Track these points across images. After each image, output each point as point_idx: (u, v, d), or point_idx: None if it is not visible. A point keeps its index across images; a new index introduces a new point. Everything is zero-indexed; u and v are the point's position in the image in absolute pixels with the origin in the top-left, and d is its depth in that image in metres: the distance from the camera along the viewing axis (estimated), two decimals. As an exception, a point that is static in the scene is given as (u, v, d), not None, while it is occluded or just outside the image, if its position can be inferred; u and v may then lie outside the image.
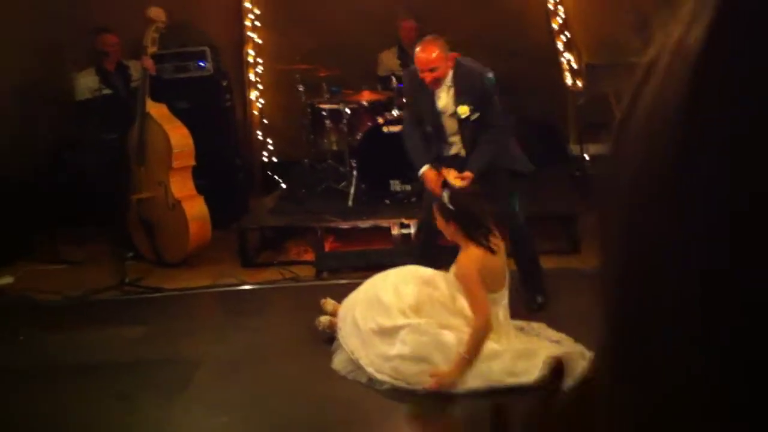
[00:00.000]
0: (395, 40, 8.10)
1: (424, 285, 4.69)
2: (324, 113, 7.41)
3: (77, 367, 4.91)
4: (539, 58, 7.98)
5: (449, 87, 5.23)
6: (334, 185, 7.40)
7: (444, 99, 5.27)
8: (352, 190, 7.03)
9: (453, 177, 4.90)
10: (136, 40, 6.89)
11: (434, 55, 5.09)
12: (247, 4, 8.43)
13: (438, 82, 5.16)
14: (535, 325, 4.94)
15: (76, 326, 5.61)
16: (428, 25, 8.12)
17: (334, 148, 7.51)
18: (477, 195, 4.75)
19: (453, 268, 4.67)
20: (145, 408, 4.38)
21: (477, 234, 4.53)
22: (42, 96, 7.56)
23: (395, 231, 6.74)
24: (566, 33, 8.24)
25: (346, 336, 4.71)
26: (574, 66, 8.23)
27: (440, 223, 4.65)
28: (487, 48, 7.52)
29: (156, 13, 6.58)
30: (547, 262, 6.33)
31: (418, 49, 5.13)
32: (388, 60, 8.03)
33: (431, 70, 5.09)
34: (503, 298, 4.71)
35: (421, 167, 5.20)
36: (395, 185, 6.99)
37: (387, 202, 7.00)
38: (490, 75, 5.32)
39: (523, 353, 4.49)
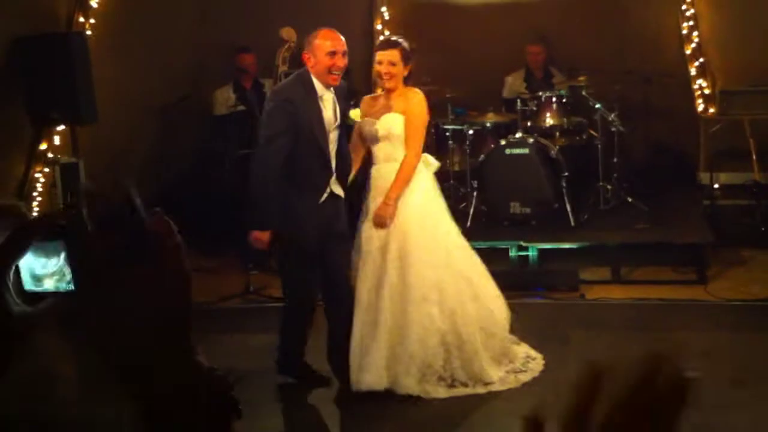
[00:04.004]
0: (523, 64, 8.10)
1: None
2: (447, 133, 7.47)
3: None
4: (671, 83, 7.79)
5: (331, 94, 4.53)
6: (454, 205, 7.44)
7: (327, 108, 4.50)
8: (471, 211, 7.06)
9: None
10: (272, 59, 7.14)
11: (343, 41, 4.47)
12: (378, 26, 8.62)
13: (339, 75, 4.46)
14: None
15: (202, 331, 5.83)
16: (558, 50, 8.11)
17: (456, 168, 7.56)
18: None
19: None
20: (264, 417, 4.51)
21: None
22: (187, 112, 7.94)
23: (513, 253, 6.73)
24: (700, 59, 8.02)
25: None
26: (707, 92, 7.99)
27: (399, 68, 4.65)
28: (618, 72, 7.43)
29: (288, 33, 6.81)
30: (672, 293, 6.18)
31: (322, 32, 4.46)
32: (515, 83, 8.04)
33: (344, 54, 4.45)
34: None
35: (268, 225, 4.42)
36: (515, 207, 6.97)
37: (506, 223, 6.98)
38: None
39: None
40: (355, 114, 4.55)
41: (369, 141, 4.79)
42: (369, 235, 4.71)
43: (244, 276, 6.59)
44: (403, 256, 4.63)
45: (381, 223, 4.63)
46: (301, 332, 4.70)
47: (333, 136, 4.50)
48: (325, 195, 4.51)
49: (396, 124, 4.68)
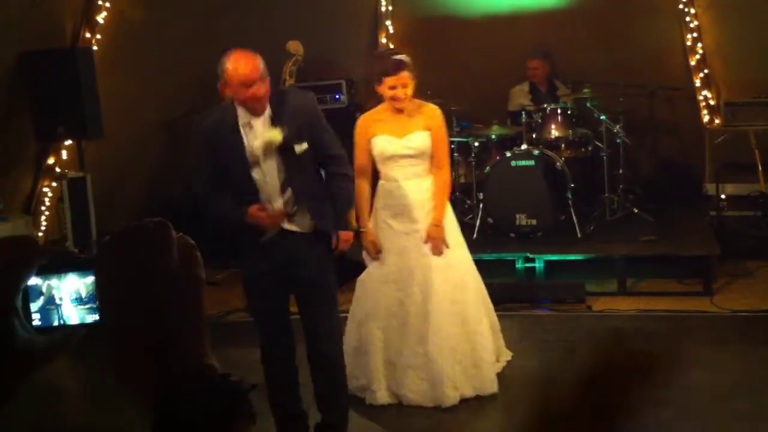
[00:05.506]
0: (527, 76, 8.11)
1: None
2: (453, 146, 7.47)
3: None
4: (676, 95, 7.80)
5: (266, 118, 3.87)
6: (461, 217, 7.43)
7: (260, 136, 3.84)
8: (477, 223, 7.06)
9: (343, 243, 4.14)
10: (277, 73, 7.18)
11: (257, 65, 3.79)
12: (383, 40, 8.65)
13: (260, 103, 3.81)
14: None
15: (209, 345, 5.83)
16: (562, 63, 8.12)
17: (462, 180, 7.57)
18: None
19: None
20: (269, 431, 4.49)
21: None
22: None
23: (519, 265, 6.73)
24: (705, 70, 8.02)
25: None
26: (712, 103, 7.99)
27: (410, 89, 4.56)
28: (622, 84, 7.45)
29: (295, 46, 6.84)
30: (678, 305, 6.17)
31: (232, 63, 3.78)
32: (519, 95, 8.05)
33: (263, 80, 3.79)
34: None
35: (241, 215, 3.85)
36: (521, 219, 6.97)
37: (512, 235, 6.98)
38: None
39: None
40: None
41: (385, 160, 4.69)
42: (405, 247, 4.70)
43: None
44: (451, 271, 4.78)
45: (439, 245, 4.67)
46: (278, 381, 4.16)
47: (273, 164, 3.86)
48: (269, 234, 3.93)
49: (425, 142, 4.65)
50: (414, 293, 4.67)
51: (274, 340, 4.09)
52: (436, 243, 4.67)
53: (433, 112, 4.73)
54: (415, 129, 4.64)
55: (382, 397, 4.73)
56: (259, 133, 3.84)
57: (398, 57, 4.61)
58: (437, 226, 4.68)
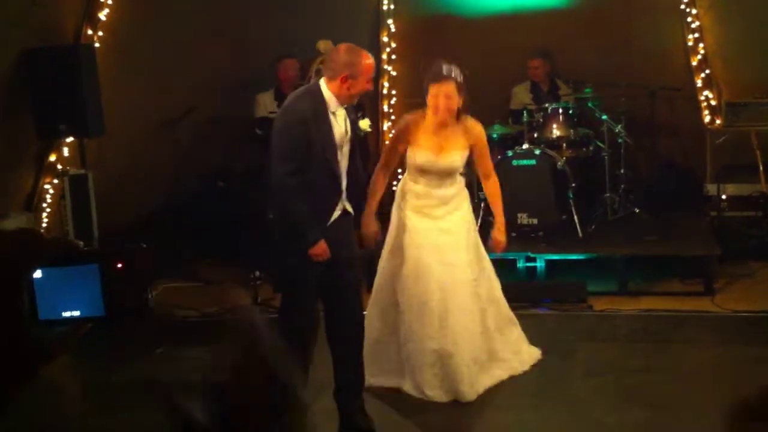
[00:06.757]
0: (528, 75, 8.11)
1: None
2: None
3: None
4: (677, 95, 7.79)
5: (341, 109, 4.23)
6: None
7: (340, 123, 4.20)
8: (479, 222, 7.05)
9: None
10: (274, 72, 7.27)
11: None
12: (385, 38, 8.64)
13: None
14: None
15: (208, 343, 5.82)
16: (563, 63, 8.11)
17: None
18: None
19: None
20: None
21: None
22: (196, 125, 7.94)
23: (520, 264, 6.73)
24: (706, 70, 8.02)
25: None
26: (713, 104, 7.98)
27: (455, 102, 4.56)
28: (624, 85, 7.44)
29: (325, 46, 6.82)
30: (679, 305, 6.17)
31: (365, 53, 4.15)
32: (521, 94, 8.04)
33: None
34: None
35: (315, 237, 4.09)
36: (522, 218, 6.96)
37: (513, 234, 6.96)
38: None
39: None
40: (364, 124, 4.44)
41: (421, 170, 4.75)
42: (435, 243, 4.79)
43: (252, 287, 6.59)
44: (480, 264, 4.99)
45: (502, 247, 4.95)
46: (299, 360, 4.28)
47: (345, 150, 4.21)
48: (336, 214, 4.21)
49: (459, 162, 4.74)
50: (431, 289, 4.72)
51: (313, 318, 4.27)
52: (502, 245, 4.92)
53: (475, 129, 4.75)
54: (453, 149, 4.68)
55: (405, 385, 4.76)
56: (341, 121, 4.18)
57: (446, 66, 4.59)
58: (501, 230, 4.92)
